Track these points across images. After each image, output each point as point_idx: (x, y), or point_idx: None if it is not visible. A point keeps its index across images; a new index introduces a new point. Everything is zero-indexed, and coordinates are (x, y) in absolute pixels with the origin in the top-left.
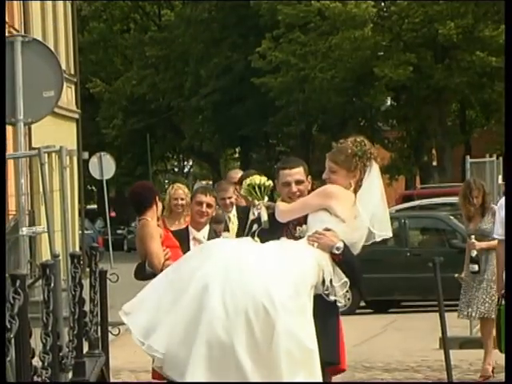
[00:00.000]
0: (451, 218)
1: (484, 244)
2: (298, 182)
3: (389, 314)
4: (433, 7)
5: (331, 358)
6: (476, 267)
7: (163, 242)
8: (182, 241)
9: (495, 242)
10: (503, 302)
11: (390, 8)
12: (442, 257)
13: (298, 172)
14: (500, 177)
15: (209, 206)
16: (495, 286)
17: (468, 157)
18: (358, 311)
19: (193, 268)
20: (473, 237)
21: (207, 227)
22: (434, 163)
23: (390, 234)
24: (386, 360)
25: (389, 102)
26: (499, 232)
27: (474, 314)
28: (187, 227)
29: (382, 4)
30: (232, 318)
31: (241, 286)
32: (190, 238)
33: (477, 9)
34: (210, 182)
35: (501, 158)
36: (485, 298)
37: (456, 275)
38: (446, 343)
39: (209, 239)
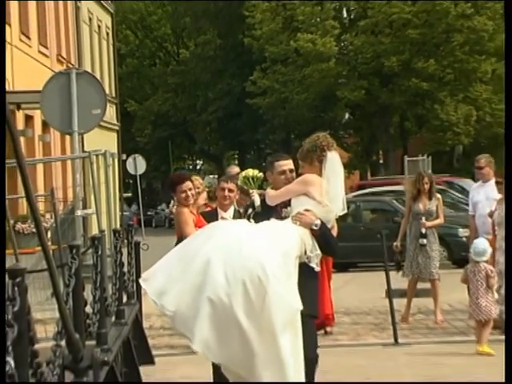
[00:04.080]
0: (394, 201)
1: (430, 223)
2: (291, 171)
3: (349, 272)
4: (380, 46)
5: (312, 311)
6: (425, 241)
7: (196, 223)
8: (212, 220)
9: (436, 221)
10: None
11: (348, 47)
12: (387, 230)
13: (290, 163)
14: (430, 171)
15: (230, 190)
16: (436, 254)
17: (406, 156)
18: None
19: (198, 244)
20: (423, 218)
21: (232, 208)
22: (381, 161)
23: (346, 210)
24: (347, 306)
25: (347, 116)
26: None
27: (424, 276)
28: (216, 209)
29: (342, 44)
30: (232, 286)
31: (240, 261)
32: (219, 217)
33: (411, 47)
34: (216, 176)
35: (430, 157)
36: (435, 264)
37: (394, 244)
38: (390, 294)
39: (234, 218)
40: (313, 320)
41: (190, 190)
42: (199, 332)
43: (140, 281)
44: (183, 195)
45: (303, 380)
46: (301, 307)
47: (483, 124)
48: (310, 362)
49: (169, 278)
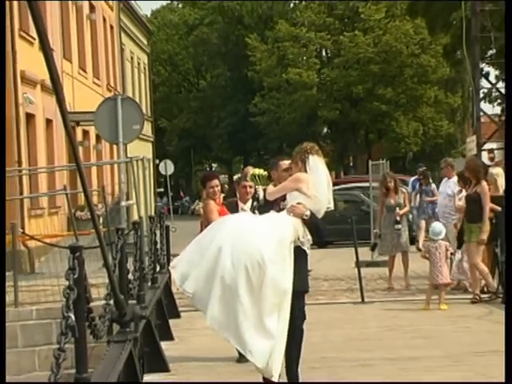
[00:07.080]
0: (361, 194)
1: (402, 212)
2: (292, 168)
3: (326, 248)
4: (350, 77)
5: (304, 287)
6: (400, 226)
7: (220, 212)
8: (234, 210)
9: (405, 209)
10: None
11: (326, 78)
12: (355, 216)
13: (289, 162)
14: (388, 171)
15: (250, 187)
16: (406, 235)
17: (370, 160)
18: None
19: (212, 235)
20: (397, 208)
21: (250, 201)
22: (351, 164)
23: (332, 207)
24: (325, 273)
25: (325, 130)
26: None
27: (399, 250)
28: (237, 201)
29: (322, 76)
30: (236, 270)
31: (243, 246)
32: (239, 208)
33: (374, 78)
34: (227, 176)
35: (388, 161)
36: (407, 240)
37: (375, 231)
38: (358, 264)
39: (251, 209)
40: (303, 296)
41: (217, 186)
42: (211, 310)
43: (169, 267)
44: (211, 190)
45: (278, 361)
46: (290, 287)
47: (428, 136)
48: (299, 330)
49: (190, 264)
